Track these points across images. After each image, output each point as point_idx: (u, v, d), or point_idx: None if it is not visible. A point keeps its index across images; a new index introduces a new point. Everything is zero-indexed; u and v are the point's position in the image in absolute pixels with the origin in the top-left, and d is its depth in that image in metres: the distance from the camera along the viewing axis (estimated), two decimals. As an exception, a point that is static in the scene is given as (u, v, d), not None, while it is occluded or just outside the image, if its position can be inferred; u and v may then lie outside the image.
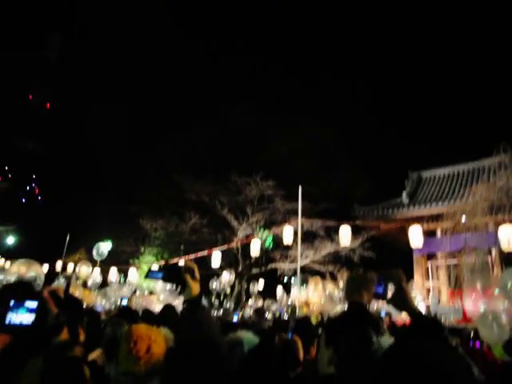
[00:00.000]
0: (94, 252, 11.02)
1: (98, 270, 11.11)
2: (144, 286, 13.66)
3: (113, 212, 22.86)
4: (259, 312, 7.21)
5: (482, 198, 14.07)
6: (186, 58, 39.94)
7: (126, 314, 4.07)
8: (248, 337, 2.73)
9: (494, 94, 39.67)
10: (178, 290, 1.88)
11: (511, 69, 40.62)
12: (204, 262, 16.54)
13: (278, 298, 13.99)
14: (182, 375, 1.47)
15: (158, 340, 2.04)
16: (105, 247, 10.38)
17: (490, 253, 15.13)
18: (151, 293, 12.83)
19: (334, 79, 41.78)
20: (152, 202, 21.43)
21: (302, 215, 16.65)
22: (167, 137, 27.94)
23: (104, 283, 12.52)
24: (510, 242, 8.20)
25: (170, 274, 1.79)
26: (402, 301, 1.53)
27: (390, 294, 1.57)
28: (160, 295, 11.40)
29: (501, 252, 13.24)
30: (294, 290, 8.91)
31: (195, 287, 1.72)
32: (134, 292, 12.47)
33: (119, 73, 33.38)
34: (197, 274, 1.78)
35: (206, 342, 1.62)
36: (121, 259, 19.04)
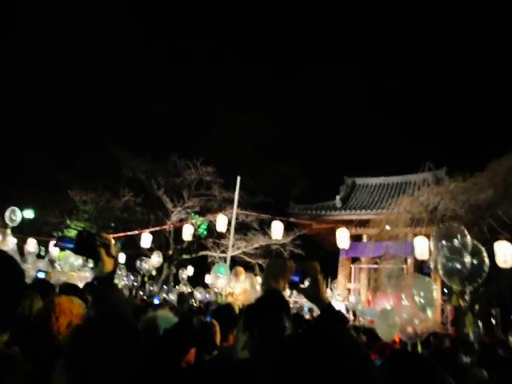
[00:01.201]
0: (7, 215, 9.92)
1: (12, 239, 10.12)
2: (71, 260, 12.76)
3: (39, 177, 21.22)
4: (182, 296, 7.16)
5: (405, 209, 15.10)
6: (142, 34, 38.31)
7: (41, 287, 3.82)
8: (165, 316, 2.69)
9: (429, 115, 42.64)
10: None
11: (442, 98, 43.85)
12: (133, 242, 16.06)
13: (207, 285, 14.00)
14: (86, 354, 1.39)
15: (79, 314, 1.94)
16: (19, 213, 9.45)
17: (406, 261, 16.31)
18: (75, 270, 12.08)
19: (288, 76, 42.43)
20: (85, 172, 20.28)
21: (238, 206, 16.75)
22: (111, 108, 26.64)
23: (21, 255, 11.60)
24: (423, 252, 8.92)
25: (83, 245, 1.63)
26: (314, 292, 1.56)
27: (305, 285, 1.60)
28: (86, 272, 10.81)
29: (415, 261, 14.35)
30: (222, 279, 8.94)
31: (109, 264, 1.63)
32: (53, 266, 11.72)
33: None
34: (113, 250, 1.69)
35: (116, 320, 1.55)
36: (42, 230, 17.82)
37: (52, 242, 14.14)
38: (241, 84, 37.92)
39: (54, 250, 12.91)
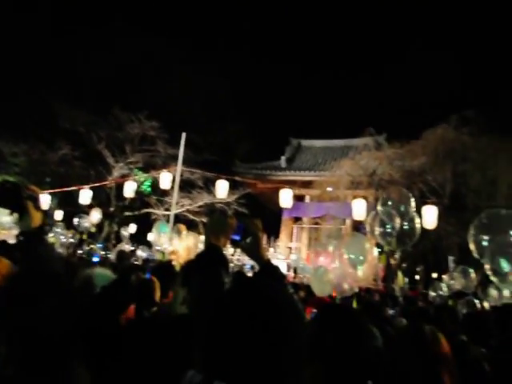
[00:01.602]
0: None
1: None
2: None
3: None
4: (121, 254, 7.05)
5: (346, 172, 15.74)
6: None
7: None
8: (102, 273, 2.64)
9: (373, 82, 43.71)
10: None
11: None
12: (71, 198, 15.30)
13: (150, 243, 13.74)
14: (19, 312, 1.33)
15: (3, 273, 1.79)
16: None
17: (344, 222, 17.19)
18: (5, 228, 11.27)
19: (238, 33, 41.05)
20: (14, 120, 18.60)
21: (183, 163, 16.44)
22: (47, 55, 24.34)
23: None
24: (361, 214, 9.42)
25: (7, 198, 1.52)
26: (254, 249, 1.58)
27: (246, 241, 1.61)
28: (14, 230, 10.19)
29: (353, 222, 15.15)
30: (164, 237, 8.86)
31: (37, 217, 1.54)
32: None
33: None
34: (40, 203, 1.60)
35: (47, 275, 1.51)
36: (11, 182, 16.27)
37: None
38: (189, 34, 36.22)
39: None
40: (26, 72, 22.35)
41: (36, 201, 1.55)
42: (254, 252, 1.59)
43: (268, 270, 1.55)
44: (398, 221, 6.06)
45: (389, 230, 5.82)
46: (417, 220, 6.06)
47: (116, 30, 28.61)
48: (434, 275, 13.98)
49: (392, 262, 9.11)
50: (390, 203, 6.45)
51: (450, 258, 12.61)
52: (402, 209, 6.33)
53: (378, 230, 6.22)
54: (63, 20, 28.75)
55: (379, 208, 6.47)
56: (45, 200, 13.27)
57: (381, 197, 6.93)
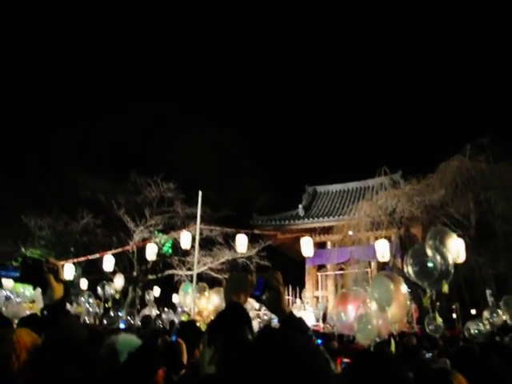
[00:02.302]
0: None
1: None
2: (26, 293, 11.90)
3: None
4: (146, 319, 6.95)
5: (365, 214, 15.54)
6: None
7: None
8: (127, 339, 2.60)
9: (379, 123, 44.39)
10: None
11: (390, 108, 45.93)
12: (95, 266, 15.44)
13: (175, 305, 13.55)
14: (44, 379, 1.34)
15: (29, 346, 1.81)
16: None
17: (369, 264, 16.70)
18: (33, 301, 11.31)
19: (249, 89, 42.84)
20: (38, 196, 19.40)
21: (202, 221, 16.56)
22: (61, 128, 25.81)
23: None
24: (384, 254, 9.18)
25: (29, 273, 1.57)
26: (275, 303, 1.56)
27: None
28: (39, 304, 10.20)
29: (378, 263, 14.74)
30: (188, 298, 8.77)
31: (58, 290, 1.58)
32: (8, 299, 10.90)
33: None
34: (61, 275, 1.65)
35: (72, 342, 1.50)
36: (33, 258, 16.67)
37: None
38: (200, 98, 37.94)
39: (7, 282, 12.17)
40: (44, 146, 23.62)
41: (57, 273, 1.59)
42: (275, 306, 1.58)
43: (291, 322, 1.53)
44: (438, 258, 5.82)
45: (429, 269, 5.58)
46: (448, 255, 5.84)
47: (126, 96, 30.32)
48: (473, 312, 13.25)
49: (426, 302, 8.71)
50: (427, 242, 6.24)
51: (488, 292, 12.00)
52: (437, 245, 6.12)
53: (414, 269, 5.96)
54: (76, 98, 30.62)
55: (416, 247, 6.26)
56: (69, 270, 13.45)
57: (428, 234, 6.69)
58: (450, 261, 5.75)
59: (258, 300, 1.62)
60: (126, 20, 43.83)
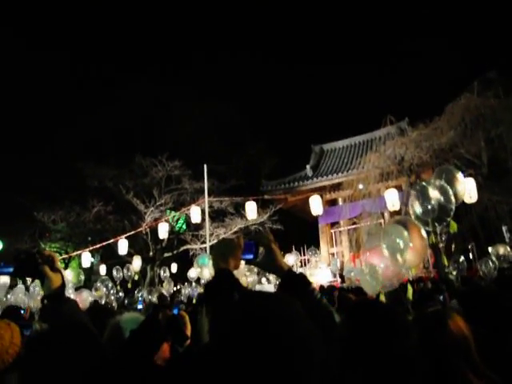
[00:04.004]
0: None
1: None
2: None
3: (1, 207, 20.41)
4: (161, 297, 7.07)
5: (373, 166, 15.31)
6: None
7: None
8: (131, 317, 2.59)
9: (380, 71, 43.11)
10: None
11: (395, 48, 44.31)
12: (112, 251, 15.71)
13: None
14: (44, 365, 1.31)
15: (4, 335, 1.85)
16: None
17: (383, 216, 16.61)
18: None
19: (234, 55, 41.89)
20: (48, 191, 19.62)
21: (211, 194, 16.60)
22: (63, 126, 25.75)
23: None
24: (395, 204, 9.06)
25: (23, 266, 1.58)
26: (270, 262, 1.52)
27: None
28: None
29: (391, 214, 14.63)
30: (205, 270, 8.85)
31: (56, 279, 1.59)
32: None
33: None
34: (57, 264, 1.65)
35: (72, 328, 1.51)
36: (26, 252, 17.11)
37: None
38: (181, 70, 37.13)
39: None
40: (46, 141, 23.63)
41: (53, 263, 1.61)
42: (271, 265, 1.52)
43: (290, 279, 1.48)
44: (435, 198, 5.70)
45: (426, 209, 5.47)
46: (450, 194, 5.68)
47: (123, 80, 29.91)
48: (489, 250, 13.18)
49: (439, 244, 8.60)
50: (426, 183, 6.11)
51: (504, 228, 11.87)
52: (438, 184, 5.98)
53: (417, 210, 5.86)
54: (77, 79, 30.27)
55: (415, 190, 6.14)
56: (87, 258, 13.72)
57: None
58: (453, 199, 5.60)
59: (253, 263, 1.58)
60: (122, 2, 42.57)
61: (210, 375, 0.91)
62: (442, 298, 4.23)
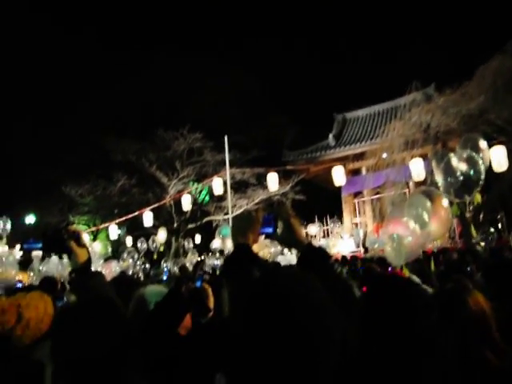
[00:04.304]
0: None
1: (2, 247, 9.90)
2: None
3: (32, 182, 21.09)
4: (183, 268, 7.23)
5: (398, 134, 14.87)
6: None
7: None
8: (155, 290, 2.65)
9: (402, 39, 41.15)
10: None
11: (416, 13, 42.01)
12: (138, 223, 16.11)
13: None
14: (72, 336, 1.36)
15: (32, 303, 1.95)
16: (8, 222, 9.49)
17: (407, 185, 16.27)
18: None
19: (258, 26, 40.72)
20: (74, 166, 20.09)
21: (233, 165, 16.61)
22: (85, 100, 25.97)
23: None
24: (420, 174, 8.82)
25: (51, 242, 1.65)
26: (289, 236, 1.51)
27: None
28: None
29: (416, 183, 14.30)
30: (228, 240, 8.97)
31: (82, 254, 1.65)
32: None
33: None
34: (83, 239, 1.70)
35: (98, 301, 1.55)
36: (52, 228, 17.82)
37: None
38: (202, 43, 36.52)
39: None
40: (73, 121, 23.98)
41: (78, 239, 1.66)
42: (290, 239, 1.52)
43: (310, 253, 1.47)
44: (461, 169, 5.52)
45: (451, 181, 5.31)
46: (480, 163, 5.46)
47: (140, 54, 29.73)
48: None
49: (467, 214, 8.39)
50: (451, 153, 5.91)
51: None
52: (465, 155, 5.76)
53: (441, 180, 5.70)
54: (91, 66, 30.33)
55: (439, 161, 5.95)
56: (114, 230, 14.13)
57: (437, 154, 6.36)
58: (482, 168, 5.39)
59: (272, 237, 1.57)
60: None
61: (228, 349, 0.93)
62: (469, 269, 4.15)
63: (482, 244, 7.49)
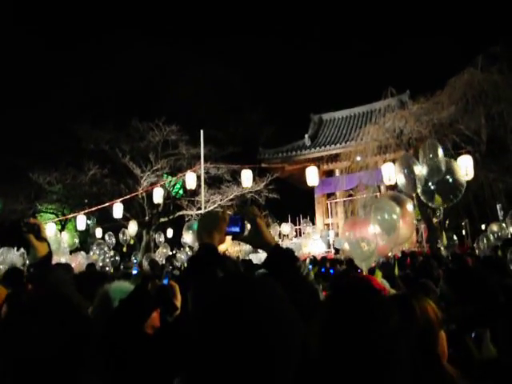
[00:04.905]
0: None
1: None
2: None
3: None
4: (152, 262, 7.15)
5: (372, 138, 15.17)
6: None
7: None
8: (120, 286, 2.60)
9: (380, 42, 41.94)
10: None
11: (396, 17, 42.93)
12: (109, 214, 15.77)
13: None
14: (18, 334, 1.32)
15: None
16: None
17: (379, 189, 16.61)
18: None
19: (241, 21, 40.51)
20: (43, 153, 19.38)
21: (207, 160, 16.50)
22: (59, 86, 25.12)
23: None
24: (391, 177, 9.04)
25: (8, 235, 1.58)
26: (257, 237, 1.51)
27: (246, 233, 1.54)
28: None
29: (388, 187, 14.63)
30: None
31: (42, 248, 1.60)
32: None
33: None
34: (43, 233, 1.64)
35: (50, 298, 1.47)
36: (11, 220, 17.17)
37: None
38: (189, 32, 36.04)
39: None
40: (44, 107, 23.15)
41: (38, 232, 1.59)
42: (257, 240, 1.52)
43: (277, 254, 1.47)
44: (422, 174, 5.70)
45: (430, 187, 5.47)
46: (457, 171, 5.65)
47: (116, 43, 29.06)
48: (483, 227, 13.34)
49: (434, 220, 8.68)
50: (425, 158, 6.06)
51: (498, 206, 11.94)
52: (427, 160, 5.94)
53: (419, 187, 5.86)
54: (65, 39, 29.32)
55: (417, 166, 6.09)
56: (82, 220, 13.77)
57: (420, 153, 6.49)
58: (443, 168, 5.59)
59: (239, 238, 1.56)
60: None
61: (185, 353, 0.92)
62: (435, 274, 4.30)
63: (442, 249, 7.79)
